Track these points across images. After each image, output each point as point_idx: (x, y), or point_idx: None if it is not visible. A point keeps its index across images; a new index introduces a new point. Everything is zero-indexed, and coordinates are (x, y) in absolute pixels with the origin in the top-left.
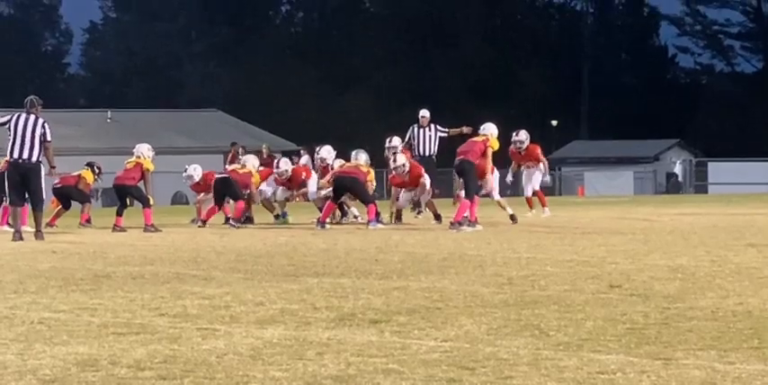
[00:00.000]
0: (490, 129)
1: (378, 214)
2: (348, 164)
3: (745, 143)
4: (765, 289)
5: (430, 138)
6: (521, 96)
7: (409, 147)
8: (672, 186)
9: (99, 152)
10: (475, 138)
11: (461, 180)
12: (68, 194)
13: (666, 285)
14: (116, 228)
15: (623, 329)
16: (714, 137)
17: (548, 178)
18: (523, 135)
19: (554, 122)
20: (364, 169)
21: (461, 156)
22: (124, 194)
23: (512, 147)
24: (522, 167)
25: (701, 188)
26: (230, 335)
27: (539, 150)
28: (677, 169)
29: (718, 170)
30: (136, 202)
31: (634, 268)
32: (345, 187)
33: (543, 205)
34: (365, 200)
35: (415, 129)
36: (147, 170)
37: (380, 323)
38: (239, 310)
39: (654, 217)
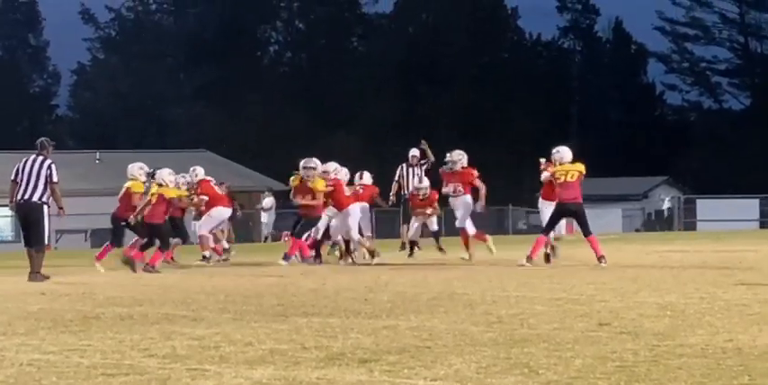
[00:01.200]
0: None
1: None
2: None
3: (734, 180)
4: (755, 326)
5: (419, 176)
6: (509, 134)
7: (398, 186)
8: (662, 223)
9: (88, 193)
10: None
11: None
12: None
13: (656, 322)
14: (148, 266)
15: (613, 367)
16: (702, 173)
17: (479, 207)
18: (456, 155)
19: (542, 160)
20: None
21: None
22: (152, 232)
23: (442, 167)
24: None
25: (690, 225)
26: (220, 375)
27: (475, 174)
28: (665, 206)
29: (706, 207)
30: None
31: (623, 306)
32: None
33: (466, 245)
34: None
35: (404, 168)
36: (171, 198)
37: (370, 362)
38: (229, 351)
39: (643, 254)
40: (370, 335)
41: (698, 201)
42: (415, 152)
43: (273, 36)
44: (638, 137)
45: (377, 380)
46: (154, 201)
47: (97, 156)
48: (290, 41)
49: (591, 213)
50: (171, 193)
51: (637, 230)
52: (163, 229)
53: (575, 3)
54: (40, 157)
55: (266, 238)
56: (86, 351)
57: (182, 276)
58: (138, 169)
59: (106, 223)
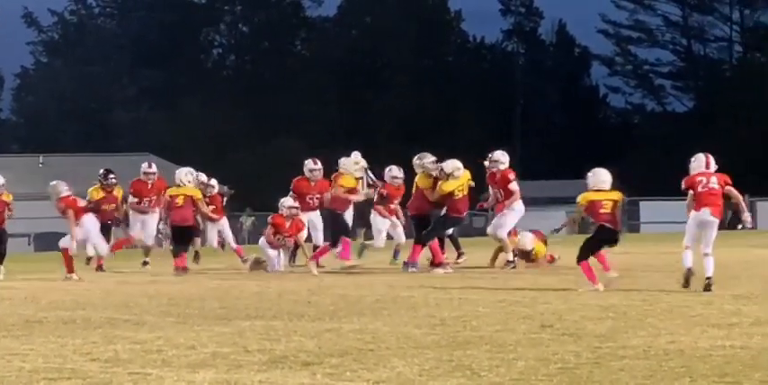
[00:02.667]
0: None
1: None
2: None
3: (677, 182)
4: (697, 327)
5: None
6: (453, 137)
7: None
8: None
9: (31, 197)
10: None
11: None
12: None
13: (598, 324)
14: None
15: (555, 369)
16: (646, 176)
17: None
18: (396, 171)
19: (486, 163)
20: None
21: None
22: (185, 236)
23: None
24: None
25: (634, 227)
26: (162, 379)
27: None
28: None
29: (649, 209)
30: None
31: (566, 308)
32: None
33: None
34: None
35: None
36: (198, 199)
37: (313, 365)
38: (171, 354)
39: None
40: (312, 338)
41: (641, 203)
42: (343, 160)
43: (217, 39)
44: (582, 139)
45: (319, 383)
46: (181, 203)
47: (41, 160)
48: (234, 45)
49: (535, 215)
50: (197, 194)
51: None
52: (194, 232)
53: (518, 6)
54: None
55: (222, 244)
56: (28, 355)
57: (124, 280)
58: (185, 174)
59: (49, 227)
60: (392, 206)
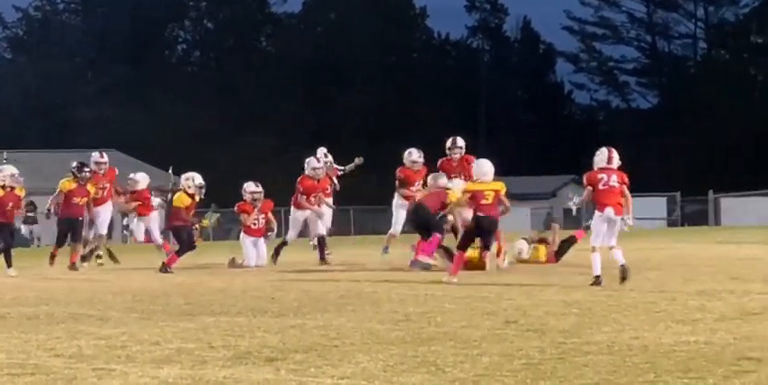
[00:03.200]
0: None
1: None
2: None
3: (641, 178)
4: (661, 323)
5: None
6: (418, 133)
7: None
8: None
9: None
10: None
11: None
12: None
13: (562, 320)
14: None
15: (519, 365)
16: None
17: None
18: (416, 154)
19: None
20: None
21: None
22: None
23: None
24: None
25: None
26: (126, 375)
27: None
28: (574, 204)
29: None
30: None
31: (530, 303)
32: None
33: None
34: None
35: None
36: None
37: (277, 361)
38: (135, 350)
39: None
40: (277, 334)
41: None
42: (322, 153)
43: (182, 35)
44: (547, 136)
45: (283, 379)
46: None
47: (5, 156)
48: (199, 41)
49: None
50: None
51: (545, 229)
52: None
53: (483, 2)
54: None
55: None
56: None
57: (88, 276)
58: (184, 179)
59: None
60: (413, 189)
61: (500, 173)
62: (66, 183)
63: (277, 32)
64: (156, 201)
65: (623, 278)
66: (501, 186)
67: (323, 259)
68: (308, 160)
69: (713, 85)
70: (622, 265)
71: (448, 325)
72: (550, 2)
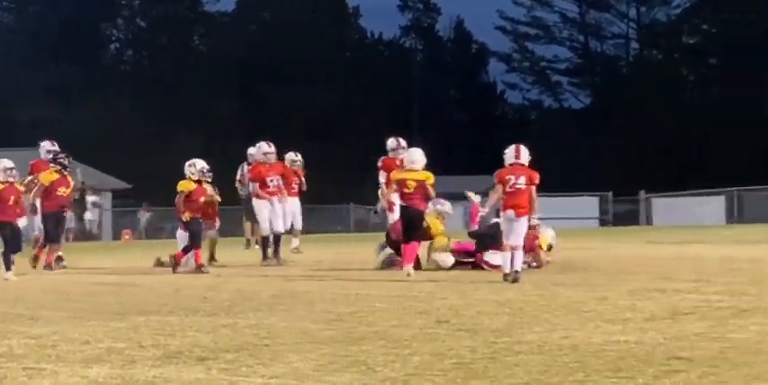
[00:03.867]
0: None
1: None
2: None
3: (574, 178)
4: (591, 323)
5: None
6: (351, 133)
7: (242, 185)
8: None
9: None
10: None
11: None
12: None
13: (494, 320)
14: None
15: (450, 364)
16: (542, 172)
17: None
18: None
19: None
20: None
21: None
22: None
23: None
24: None
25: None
26: (56, 374)
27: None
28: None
29: (546, 205)
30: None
31: (462, 303)
32: None
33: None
34: None
35: (245, 168)
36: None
37: (208, 360)
38: (66, 349)
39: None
40: (208, 334)
41: (538, 198)
42: (252, 150)
43: (115, 34)
44: (480, 135)
45: (214, 379)
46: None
47: None
48: (132, 39)
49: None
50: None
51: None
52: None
53: (416, 2)
54: None
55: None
56: None
57: (17, 275)
58: (187, 166)
59: None
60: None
61: (432, 172)
62: (49, 176)
63: (210, 31)
64: (91, 198)
65: (514, 281)
66: (426, 176)
67: (275, 256)
68: (258, 145)
69: (645, 86)
70: (516, 271)
71: (379, 324)
72: (483, 2)
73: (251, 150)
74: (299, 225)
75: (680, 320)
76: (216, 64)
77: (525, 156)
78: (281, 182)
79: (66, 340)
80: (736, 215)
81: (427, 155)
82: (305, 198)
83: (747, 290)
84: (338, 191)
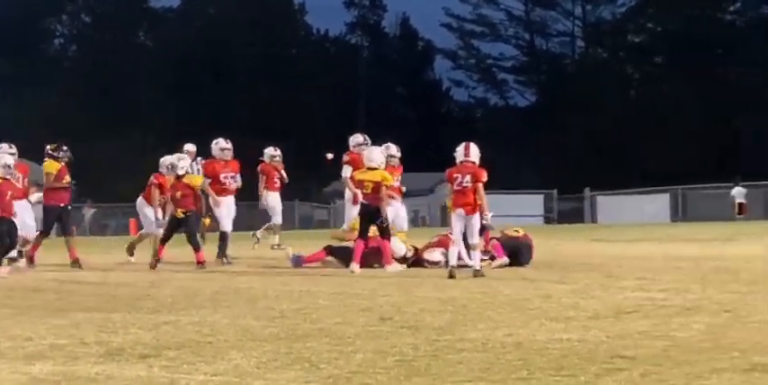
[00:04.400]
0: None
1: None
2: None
3: (519, 175)
4: (535, 320)
5: (198, 171)
6: (298, 130)
7: None
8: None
9: None
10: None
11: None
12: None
13: (437, 317)
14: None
15: (393, 361)
16: (488, 169)
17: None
18: (393, 149)
19: (329, 156)
20: None
21: None
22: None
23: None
24: None
25: None
26: None
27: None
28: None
29: (491, 202)
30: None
31: (405, 300)
32: None
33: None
34: None
35: (195, 166)
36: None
37: (150, 358)
38: (7, 346)
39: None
40: (150, 331)
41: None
42: (189, 147)
43: (59, 29)
44: (425, 132)
45: (156, 376)
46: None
47: None
48: (76, 35)
49: None
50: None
51: (424, 225)
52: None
53: None
54: None
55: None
56: None
57: None
58: (176, 159)
59: None
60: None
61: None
62: (51, 166)
63: (155, 27)
64: (35, 196)
65: (475, 275)
66: (382, 176)
67: (220, 256)
68: (216, 141)
69: (590, 84)
70: (476, 271)
71: (322, 321)
72: None
73: (188, 147)
74: (278, 220)
75: (623, 319)
76: (160, 60)
77: (474, 153)
78: (237, 179)
79: (8, 336)
80: (680, 213)
81: None
82: (244, 196)
83: (691, 289)
84: (284, 188)
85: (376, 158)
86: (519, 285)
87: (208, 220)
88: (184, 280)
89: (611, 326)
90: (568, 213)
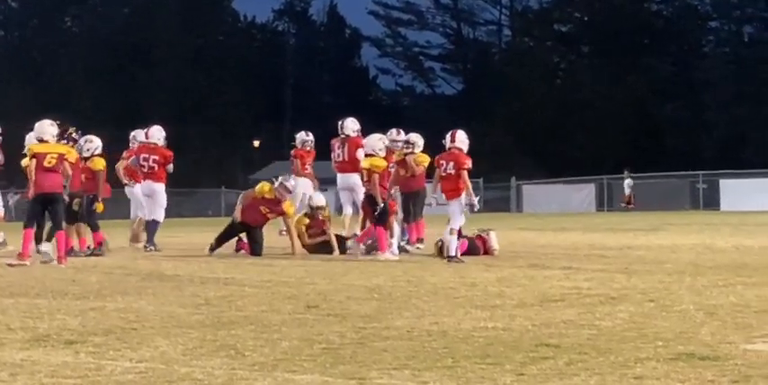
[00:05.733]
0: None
1: None
2: None
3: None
4: (461, 309)
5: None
6: (224, 117)
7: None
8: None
9: None
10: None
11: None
12: None
13: (363, 305)
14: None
15: (319, 349)
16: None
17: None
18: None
19: (256, 143)
20: None
21: None
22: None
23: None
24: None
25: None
26: None
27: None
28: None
29: None
30: None
31: (332, 288)
32: None
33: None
34: None
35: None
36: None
37: (76, 344)
38: None
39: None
40: (76, 317)
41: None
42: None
43: None
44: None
45: (82, 362)
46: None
47: None
48: (3, 20)
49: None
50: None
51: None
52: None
53: None
54: None
55: None
56: None
57: None
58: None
59: None
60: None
61: None
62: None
63: (82, 13)
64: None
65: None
66: (370, 164)
67: (147, 244)
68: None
69: (517, 72)
70: (449, 257)
71: (248, 309)
72: None
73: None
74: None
75: (549, 307)
76: (87, 46)
77: (460, 139)
78: (156, 166)
79: None
80: (606, 203)
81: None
82: (178, 183)
83: (616, 278)
84: (210, 175)
85: (373, 145)
86: (445, 273)
87: (101, 206)
88: (110, 267)
89: (536, 315)
90: (494, 202)
